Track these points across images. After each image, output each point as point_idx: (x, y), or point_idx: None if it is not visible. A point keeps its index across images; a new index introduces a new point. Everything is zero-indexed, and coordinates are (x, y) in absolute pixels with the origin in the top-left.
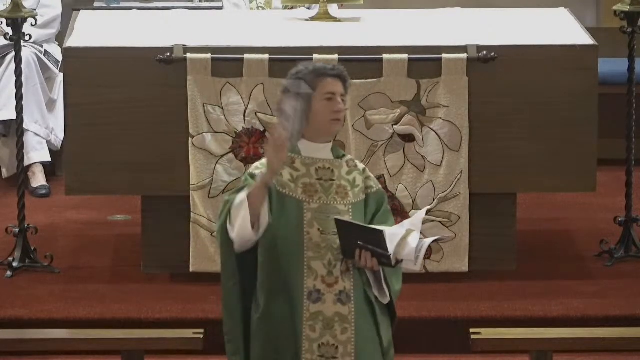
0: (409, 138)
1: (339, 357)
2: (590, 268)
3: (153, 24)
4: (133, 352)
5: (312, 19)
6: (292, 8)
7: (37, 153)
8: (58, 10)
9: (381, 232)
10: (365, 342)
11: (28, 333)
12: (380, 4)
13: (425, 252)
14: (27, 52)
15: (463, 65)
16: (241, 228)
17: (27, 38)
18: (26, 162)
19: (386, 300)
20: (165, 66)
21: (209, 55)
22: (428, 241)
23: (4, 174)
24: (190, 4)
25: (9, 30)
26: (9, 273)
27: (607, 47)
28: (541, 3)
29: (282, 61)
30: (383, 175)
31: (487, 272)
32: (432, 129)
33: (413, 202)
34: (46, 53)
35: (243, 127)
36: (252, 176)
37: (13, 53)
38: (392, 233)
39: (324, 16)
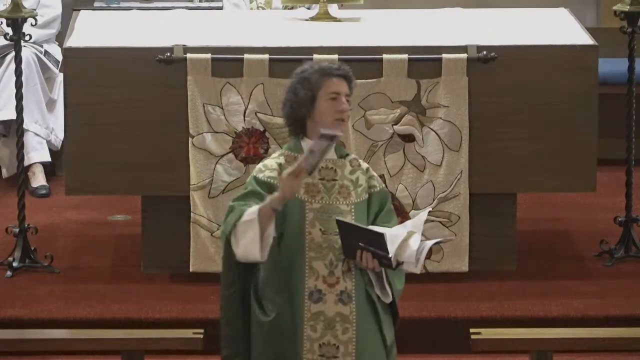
0: (409, 138)
1: (339, 356)
2: (590, 268)
3: (153, 24)
4: (133, 352)
5: (312, 19)
6: (292, 8)
7: (37, 153)
8: (58, 10)
9: (381, 235)
10: (366, 342)
11: (28, 333)
12: (380, 4)
13: (426, 254)
14: (27, 52)
15: (463, 65)
16: (247, 250)
17: (27, 38)
18: (26, 162)
19: (388, 300)
20: (165, 66)
21: (209, 55)
22: (429, 244)
23: (4, 174)
24: (190, 4)
25: (9, 30)
26: (9, 273)
27: (607, 47)
28: (541, 3)
29: (282, 61)
30: (383, 175)
31: (487, 272)
32: (432, 129)
33: (413, 202)
34: (46, 53)
35: (243, 127)
36: (257, 180)
37: (13, 53)
38: (393, 235)
39: (324, 16)
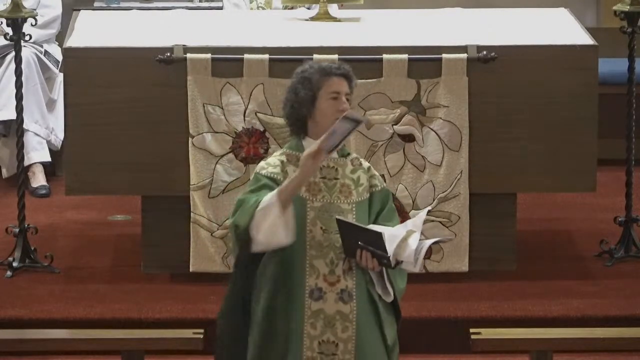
0: (409, 138)
1: (338, 354)
2: (590, 268)
3: (153, 24)
4: (133, 352)
5: (312, 19)
6: (292, 8)
7: (37, 153)
8: (58, 10)
9: (380, 234)
10: (367, 341)
11: (28, 333)
12: (380, 4)
13: (425, 253)
14: (27, 52)
15: (463, 65)
16: (271, 234)
17: (27, 38)
18: (26, 162)
19: (390, 299)
20: (165, 66)
21: (209, 55)
22: (428, 243)
23: (4, 174)
24: (190, 4)
25: (9, 30)
26: (9, 273)
27: (607, 47)
28: (541, 3)
29: (282, 61)
30: (383, 175)
31: (487, 272)
32: (432, 129)
33: (413, 202)
34: (46, 53)
35: (243, 127)
36: (262, 177)
37: (13, 53)
38: (392, 234)
39: (324, 16)
